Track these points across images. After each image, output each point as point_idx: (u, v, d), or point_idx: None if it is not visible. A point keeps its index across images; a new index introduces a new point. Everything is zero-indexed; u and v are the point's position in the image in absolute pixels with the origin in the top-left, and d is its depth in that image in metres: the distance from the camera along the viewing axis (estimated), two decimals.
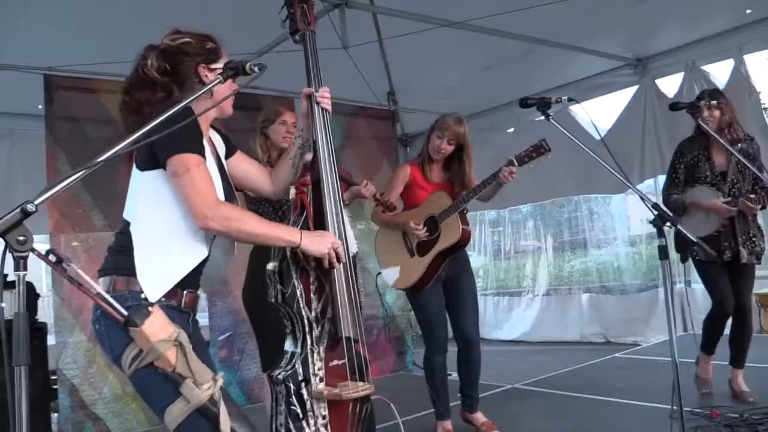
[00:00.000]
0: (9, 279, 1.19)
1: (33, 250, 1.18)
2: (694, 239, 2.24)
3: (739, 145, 3.51)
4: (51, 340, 4.33)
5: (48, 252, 1.47)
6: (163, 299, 1.67)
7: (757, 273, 5.98)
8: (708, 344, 3.72)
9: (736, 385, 3.64)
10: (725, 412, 3.15)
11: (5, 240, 1.19)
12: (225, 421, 1.57)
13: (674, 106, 3.10)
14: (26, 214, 1.21)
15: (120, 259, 1.68)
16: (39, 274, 6.13)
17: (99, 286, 1.62)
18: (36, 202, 1.23)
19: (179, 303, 1.72)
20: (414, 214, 3.43)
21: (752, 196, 3.44)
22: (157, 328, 1.53)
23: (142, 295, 1.64)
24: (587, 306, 7.01)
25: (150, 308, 1.56)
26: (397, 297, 6.02)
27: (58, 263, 1.40)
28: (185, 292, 1.74)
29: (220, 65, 1.81)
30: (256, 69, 1.65)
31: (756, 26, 5.27)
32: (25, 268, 1.21)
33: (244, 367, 4.99)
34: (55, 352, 4.20)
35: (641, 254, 7.07)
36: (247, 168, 2.10)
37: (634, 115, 6.13)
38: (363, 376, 2.02)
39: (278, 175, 2.14)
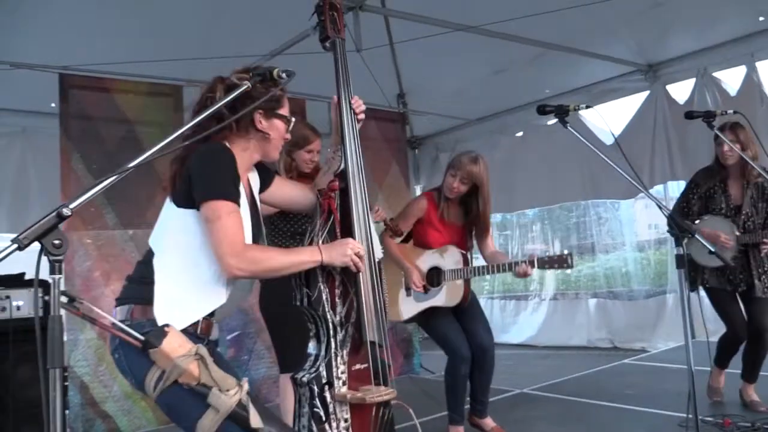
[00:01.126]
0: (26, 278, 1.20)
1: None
2: (712, 249, 2.24)
3: (758, 180, 3.55)
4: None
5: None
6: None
7: None
8: (721, 360, 3.74)
9: (746, 395, 3.65)
10: (737, 420, 3.16)
11: (42, 244, 1.21)
12: (256, 418, 1.58)
13: (689, 114, 3.11)
14: (62, 218, 1.23)
15: (140, 290, 1.69)
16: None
17: (116, 316, 1.69)
18: (71, 206, 1.25)
19: (195, 330, 1.73)
20: (421, 259, 3.47)
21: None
22: (176, 345, 1.56)
23: (159, 323, 1.64)
24: (594, 311, 7.00)
25: (166, 329, 1.58)
26: None
27: (70, 303, 1.41)
28: (201, 319, 1.75)
29: (280, 114, 1.88)
30: (284, 75, 1.67)
31: (766, 34, 5.27)
32: (61, 272, 1.23)
33: (252, 367, 5.01)
34: (65, 350, 4.23)
35: (649, 260, 7.06)
36: (290, 193, 2.13)
37: (644, 120, 6.13)
38: (386, 381, 2.04)
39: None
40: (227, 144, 1.77)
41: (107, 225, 4.48)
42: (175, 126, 4.67)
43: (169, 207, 1.77)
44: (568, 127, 2.65)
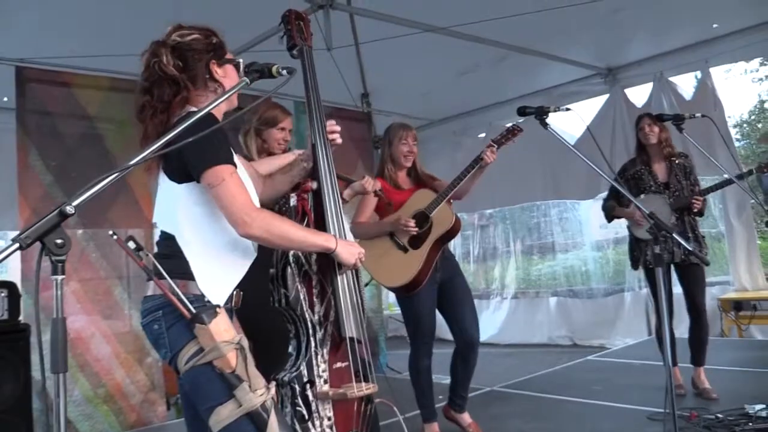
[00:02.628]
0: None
1: (113, 234, 1.32)
2: (689, 248, 2.31)
3: (677, 160, 3.94)
4: None
5: (128, 239, 1.57)
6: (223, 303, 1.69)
7: (717, 279, 6.28)
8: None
9: (699, 382, 3.82)
10: (702, 413, 3.25)
11: (43, 243, 1.16)
12: (274, 425, 1.56)
13: (660, 117, 3.21)
14: (64, 216, 1.18)
15: (173, 263, 1.66)
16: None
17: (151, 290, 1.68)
18: (74, 204, 1.20)
19: (232, 303, 1.75)
20: (399, 212, 3.39)
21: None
22: (222, 329, 1.56)
23: (205, 299, 1.65)
24: (555, 309, 7.14)
25: (217, 309, 1.58)
26: (370, 298, 6.02)
27: (136, 251, 1.49)
28: (235, 292, 1.76)
29: (227, 60, 1.83)
30: (284, 72, 1.64)
31: (721, 40, 5.48)
32: (63, 272, 1.18)
33: None
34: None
35: (608, 259, 7.24)
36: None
37: (604, 123, 6.28)
38: (366, 377, 2.04)
39: (275, 187, 2.15)
40: (192, 107, 1.73)
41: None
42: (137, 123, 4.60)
43: (168, 184, 1.72)
44: (550, 129, 2.68)
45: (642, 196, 3.88)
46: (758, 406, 3.22)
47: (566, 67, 6.17)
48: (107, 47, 4.36)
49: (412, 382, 3.45)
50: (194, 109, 1.71)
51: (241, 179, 1.69)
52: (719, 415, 3.21)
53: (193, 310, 1.56)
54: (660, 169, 3.97)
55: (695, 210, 3.78)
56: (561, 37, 5.48)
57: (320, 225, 2.03)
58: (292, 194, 2.25)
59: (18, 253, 1.14)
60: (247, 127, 3.15)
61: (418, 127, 7.76)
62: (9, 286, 3.46)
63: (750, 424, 3.05)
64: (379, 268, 3.38)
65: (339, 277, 1.98)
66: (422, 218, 3.33)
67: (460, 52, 5.58)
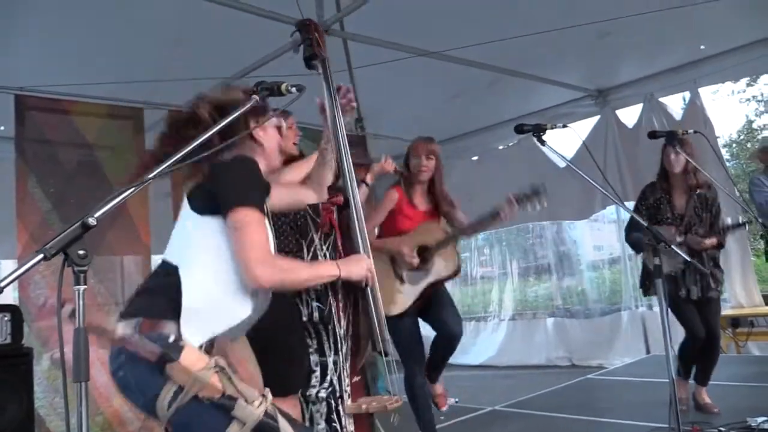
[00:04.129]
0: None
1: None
2: (688, 259, 2.35)
3: (699, 190, 3.80)
4: None
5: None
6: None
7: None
8: (685, 369, 3.90)
9: (700, 398, 3.85)
10: (704, 427, 3.26)
11: (66, 254, 1.17)
12: (287, 428, 1.54)
13: (653, 134, 3.25)
14: (87, 227, 1.20)
15: (155, 302, 1.62)
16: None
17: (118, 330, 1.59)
18: (96, 215, 1.22)
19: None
20: (404, 241, 3.37)
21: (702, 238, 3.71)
22: (194, 359, 1.50)
23: (171, 338, 1.56)
24: (552, 330, 7.15)
25: (181, 343, 1.53)
26: None
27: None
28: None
29: (269, 118, 1.86)
30: (293, 90, 1.67)
31: (709, 61, 5.60)
32: (85, 282, 1.20)
33: None
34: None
35: (604, 278, 7.28)
36: (293, 193, 2.13)
37: (595, 144, 6.35)
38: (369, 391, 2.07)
39: (320, 181, 2.17)
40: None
41: None
42: (137, 149, 4.61)
43: (190, 217, 1.71)
44: (546, 146, 2.73)
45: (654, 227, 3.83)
46: (760, 419, 3.24)
47: (557, 89, 6.27)
48: (105, 75, 4.42)
49: (410, 401, 3.40)
50: (237, 155, 1.75)
51: (267, 229, 1.69)
52: (722, 429, 3.22)
53: (159, 351, 1.49)
54: (680, 200, 3.86)
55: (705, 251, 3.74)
56: (552, 60, 5.58)
57: (345, 238, 2.05)
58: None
59: (15, 283, 1.14)
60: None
61: None
62: (12, 309, 3.44)
63: None
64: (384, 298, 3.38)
65: (368, 292, 1.98)
66: (426, 253, 3.34)
67: (453, 75, 5.66)
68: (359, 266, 1.91)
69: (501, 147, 7.43)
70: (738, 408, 3.63)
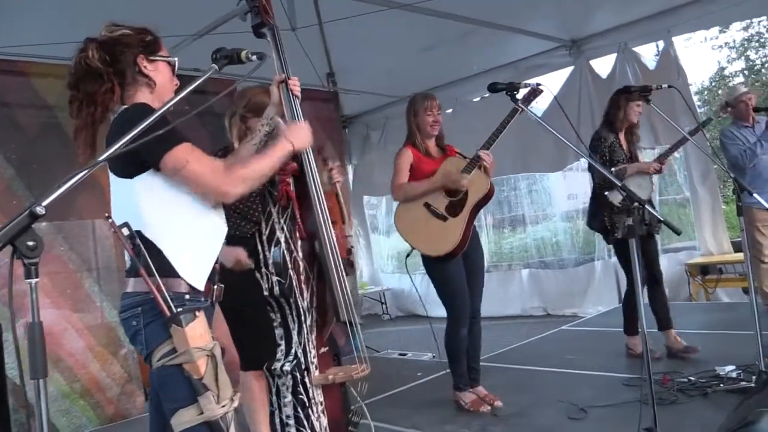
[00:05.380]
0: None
1: (108, 216, 1.43)
2: (661, 219, 2.35)
3: (634, 130, 4.15)
4: None
5: (123, 225, 1.58)
6: (202, 299, 1.70)
7: (683, 244, 6.43)
8: (631, 326, 4.05)
9: (675, 343, 3.91)
10: (674, 377, 3.34)
11: (15, 246, 1.12)
12: None
13: (627, 89, 3.23)
14: (35, 217, 1.14)
15: (154, 262, 1.64)
16: None
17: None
18: (44, 204, 1.16)
19: (213, 298, 1.77)
20: (440, 172, 3.42)
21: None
22: (197, 334, 1.57)
23: (186, 296, 1.66)
24: (527, 281, 7.24)
25: (197, 313, 1.59)
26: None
27: (129, 239, 1.54)
28: (215, 286, 1.78)
29: (159, 56, 1.82)
30: (253, 57, 1.61)
31: (683, 9, 5.52)
32: (37, 275, 1.15)
33: None
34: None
35: (577, 229, 7.33)
36: None
37: (569, 95, 6.32)
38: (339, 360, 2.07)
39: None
40: (125, 105, 1.75)
41: None
42: None
43: (122, 183, 1.70)
44: (520, 105, 2.69)
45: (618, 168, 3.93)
46: (728, 368, 3.31)
47: (531, 40, 6.17)
48: (64, 34, 4.22)
49: (448, 352, 3.50)
50: (126, 106, 1.74)
51: (200, 151, 1.69)
52: (691, 378, 3.29)
53: (174, 310, 1.56)
54: (624, 141, 4.09)
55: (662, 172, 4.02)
56: (525, 10, 5.48)
57: (304, 207, 2.01)
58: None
59: None
60: (233, 111, 2.96)
61: (385, 104, 7.76)
62: None
63: (721, 385, 3.15)
64: (420, 237, 3.40)
65: (329, 261, 1.96)
66: (456, 193, 3.36)
67: (424, 28, 5.54)
68: (304, 134, 1.95)
69: (476, 99, 7.34)
70: (707, 356, 3.70)
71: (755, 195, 3.15)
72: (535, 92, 3.33)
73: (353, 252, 2.83)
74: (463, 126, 6.97)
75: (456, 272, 3.43)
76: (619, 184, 2.35)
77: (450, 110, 7.34)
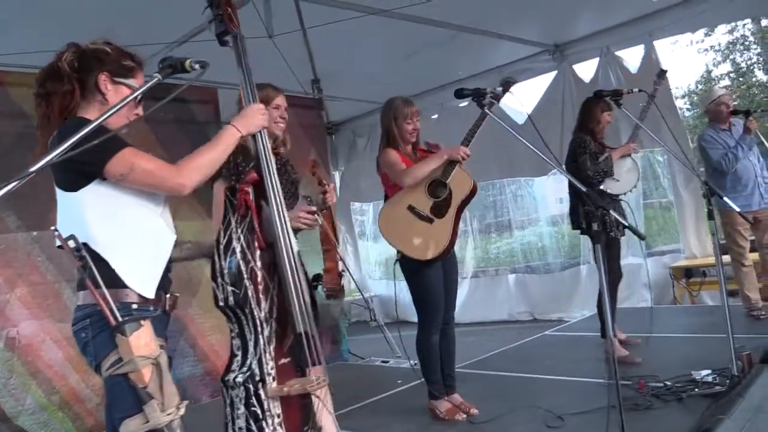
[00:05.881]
0: None
1: (55, 229, 1.46)
2: (626, 224, 2.35)
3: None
4: None
5: (69, 237, 1.59)
6: (152, 308, 1.72)
7: (669, 247, 6.45)
8: (612, 325, 4.01)
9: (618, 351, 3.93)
10: (649, 381, 3.33)
11: None
12: None
13: (599, 93, 3.24)
14: None
15: (98, 272, 1.65)
16: None
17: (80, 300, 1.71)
18: None
19: (164, 307, 1.78)
20: (438, 155, 3.40)
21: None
22: (142, 342, 1.60)
23: (134, 306, 1.68)
24: (514, 286, 7.24)
25: (142, 322, 1.62)
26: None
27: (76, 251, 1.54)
28: (167, 296, 1.80)
29: (127, 82, 1.85)
30: (197, 66, 1.63)
31: (663, 13, 5.55)
32: None
33: (176, 366, 4.85)
34: None
35: (563, 233, 7.34)
36: None
37: (553, 99, 6.35)
38: (304, 372, 2.04)
39: None
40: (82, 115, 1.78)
41: (9, 228, 4.20)
42: None
43: (67, 197, 1.72)
44: (486, 110, 2.69)
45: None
46: (704, 372, 3.31)
47: (515, 45, 6.20)
48: (40, 43, 4.21)
49: (421, 360, 3.45)
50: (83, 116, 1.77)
51: (143, 152, 1.72)
52: (668, 383, 3.28)
53: (119, 319, 1.58)
54: (598, 145, 4.21)
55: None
56: (508, 15, 5.50)
57: (262, 217, 2.00)
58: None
59: None
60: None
61: (371, 111, 7.76)
62: None
63: (696, 389, 3.14)
64: (407, 241, 3.34)
65: (287, 273, 1.95)
66: (439, 186, 3.33)
67: (409, 34, 5.55)
68: (254, 117, 1.98)
69: (461, 104, 7.33)
70: (689, 359, 3.67)
71: (725, 198, 3.14)
72: (508, 85, 3.37)
73: (343, 275, 2.77)
74: (448, 131, 6.95)
75: (436, 277, 3.39)
76: (585, 190, 2.35)
77: (435, 116, 7.36)
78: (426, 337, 3.41)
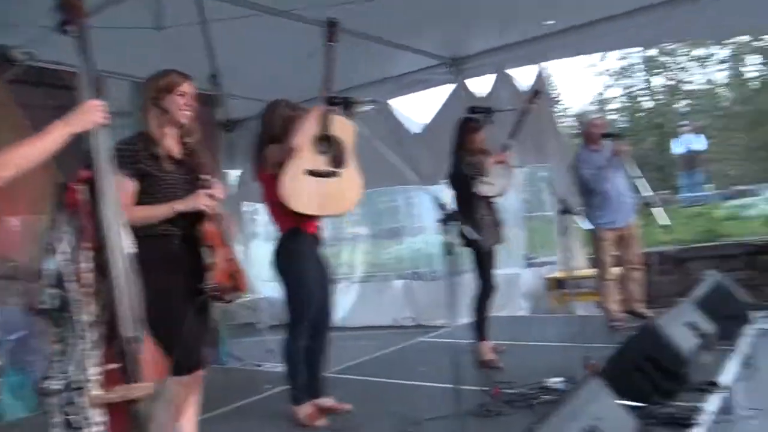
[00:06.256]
0: None
1: None
2: (470, 237, 2.44)
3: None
4: None
5: None
6: None
7: (547, 259, 6.76)
8: (484, 330, 4.35)
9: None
10: (503, 388, 3.47)
11: None
12: None
13: (472, 110, 3.37)
14: None
15: None
16: None
17: None
18: None
19: None
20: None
21: None
22: None
23: None
24: (401, 292, 7.37)
25: None
26: None
27: None
28: None
29: None
30: (20, 56, 1.55)
31: (557, 36, 5.80)
32: None
33: (39, 369, 4.58)
34: None
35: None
36: None
37: (449, 112, 6.45)
38: (139, 377, 1.97)
39: None
40: None
41: None
42: None
43: None
44: (356, 120, 2.73)
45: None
46: (556, 379, 3.49)
47: (413, 55, 6.30)
48: None
49: (288, 364, 3.39)
50: None
51: None
52: (522, 390, 3.44)
53: None
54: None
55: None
56: (407, 26, 5.56)
57: (96, 216, 1.92)
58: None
59: None
60: (143, 102, 2.67)
61: None
62: None
63: (546, 396, 3.31)
64: (330, 203, 3.29)
65: (115, 275, 1.89)
66: (323, 140, 3.27)
67: (309, 36, 5.51)
68: (88, 113, 1.91)
69: (364, 109, 7.39)
70: (547, 367, 3.83)
71: (574, 217, 3.35)
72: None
73: (238, 276, 2.57)
74: None
75: (315, 277, 3.37)
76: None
77: None
78: (295, 339, 3.36)
